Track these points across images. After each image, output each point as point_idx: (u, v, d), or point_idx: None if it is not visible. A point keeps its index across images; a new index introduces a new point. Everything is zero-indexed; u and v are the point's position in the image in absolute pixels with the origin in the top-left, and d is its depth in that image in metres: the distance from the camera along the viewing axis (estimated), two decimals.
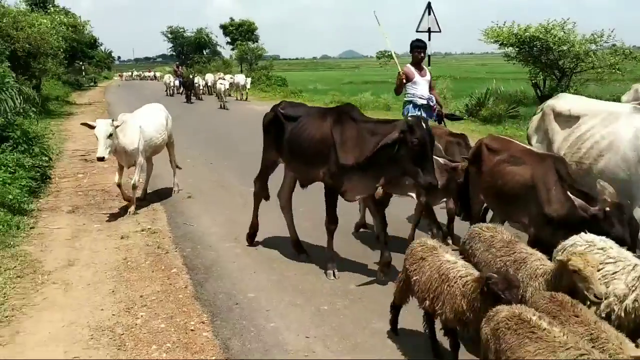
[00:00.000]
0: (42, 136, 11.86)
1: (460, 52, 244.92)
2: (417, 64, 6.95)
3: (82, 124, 7.03)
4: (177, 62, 42.43)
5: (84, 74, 53.12)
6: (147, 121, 7.44)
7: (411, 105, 6.95)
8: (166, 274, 4.98)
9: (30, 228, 6.37)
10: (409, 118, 4.88)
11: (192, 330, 3.97)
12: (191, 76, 30.03)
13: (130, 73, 74.04)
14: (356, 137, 4.67)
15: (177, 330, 3.97)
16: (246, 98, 26.91)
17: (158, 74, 70.14)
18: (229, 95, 28.87)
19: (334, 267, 4.85)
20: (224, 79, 24.85)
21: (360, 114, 5.04)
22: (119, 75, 73.51)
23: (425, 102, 6.85)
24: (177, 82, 30.92)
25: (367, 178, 4.59)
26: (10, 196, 6.76)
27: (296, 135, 5.05)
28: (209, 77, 31.18)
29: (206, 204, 7.41)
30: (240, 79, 27.04)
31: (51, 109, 22.92)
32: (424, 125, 4.35)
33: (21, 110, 9.30)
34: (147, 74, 72.72)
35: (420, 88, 6.89)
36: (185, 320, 4.10)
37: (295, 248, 5.44)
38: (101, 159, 6.50)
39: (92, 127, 6.57)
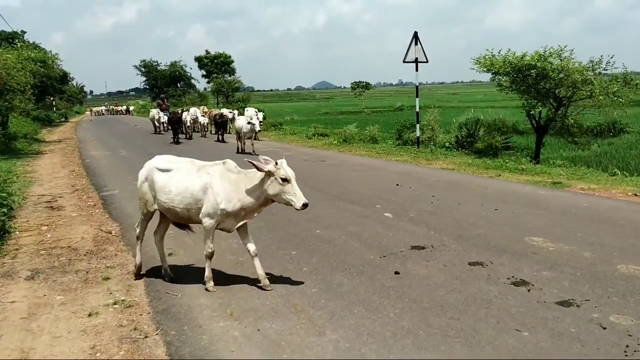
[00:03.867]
0: (3, 182, 10.72)
1: (431, 82, 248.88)
2: None
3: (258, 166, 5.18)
4: (163, 95, 39.91)
5: (54, 109, 51.85)
6: None
7: None
8: None
9: None
10: None
11: None
12: (179, 110, 26.34)
13: (101, 109, 72.26)
14: None
15: None
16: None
17: (132, 108, 68.91)
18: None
19: None
20: (245, 118, 18.21)
21: None
22: (89, 110, 71.81)
23: None
24: (166, 118, 27.43)
25: None
26: None
27: None
28: (194, 111, 27.79)
29: (191, 263, 6.31)
30: (251, 113, 21.86)
31: (18, 147, 21.71)
32: None
33: None
34: (117, 108, 71.17)
35: None
36: None
37: None
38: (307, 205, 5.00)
39: (267, 171, 5.05)
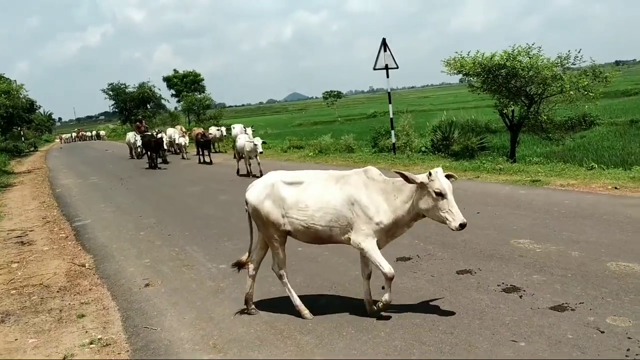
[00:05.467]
0: None
1: (401, 87, 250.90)
2: None
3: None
4: (140, 117, 37.40)
5: (22, 139, 50.91)
6: None
7: None
8: None
9: None
10: None
11: None
12: (155, 132, 23.18)
13: (71, 135, 71.20)
14: None
15: None
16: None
17: (102, 132, 67.97)
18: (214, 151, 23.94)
19: None
20: (247, 136, 16.60)
21: None
22: (59, 138, 70.68)
23: None
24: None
25: None
26: None
27: None
28: (172, 131, 26.57)
29: (169, 293, 6.04)
30: (238, 129, 21.17)
31: None
32: None
33: None
34: (86, 134, 70.30)
35: None
36: None
37: None
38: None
39: (419, 183, 4.35)
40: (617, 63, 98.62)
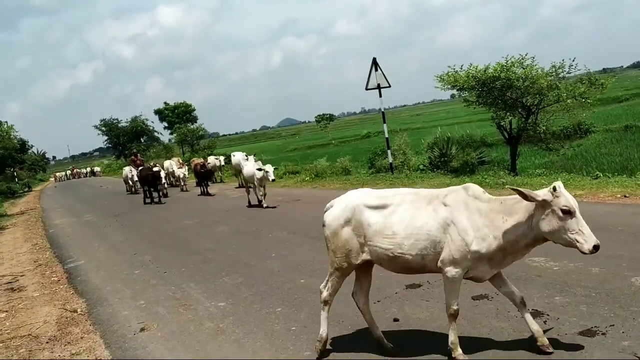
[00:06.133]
0: None
1: (393, 106, 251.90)
2: None
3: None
4: (135, 150, 36.55)
5: (16, 180, 50.56)
6: None
7: None
8: None
9: None
10: None
11: None
12: (151, 165, 21.94)
13: (65, 173, 70.94)
14: None
15: None
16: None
17: (97, 169, 67.68)
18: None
19: None
20: (255, 163, 14.72)
21: None
22: (53, 177, 70.38)
23: None
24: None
25: None
26: None
27: None
28: (169, 164, 25.90)
29: (166, 338, 5.64)
30: (239, 157, 18.98)
31: None
32: None
33: None
34: (82, 170, 70.18)
35: None
36: None
37: None
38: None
39: (540, 201, 3.76)
40: (605, 70, 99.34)
